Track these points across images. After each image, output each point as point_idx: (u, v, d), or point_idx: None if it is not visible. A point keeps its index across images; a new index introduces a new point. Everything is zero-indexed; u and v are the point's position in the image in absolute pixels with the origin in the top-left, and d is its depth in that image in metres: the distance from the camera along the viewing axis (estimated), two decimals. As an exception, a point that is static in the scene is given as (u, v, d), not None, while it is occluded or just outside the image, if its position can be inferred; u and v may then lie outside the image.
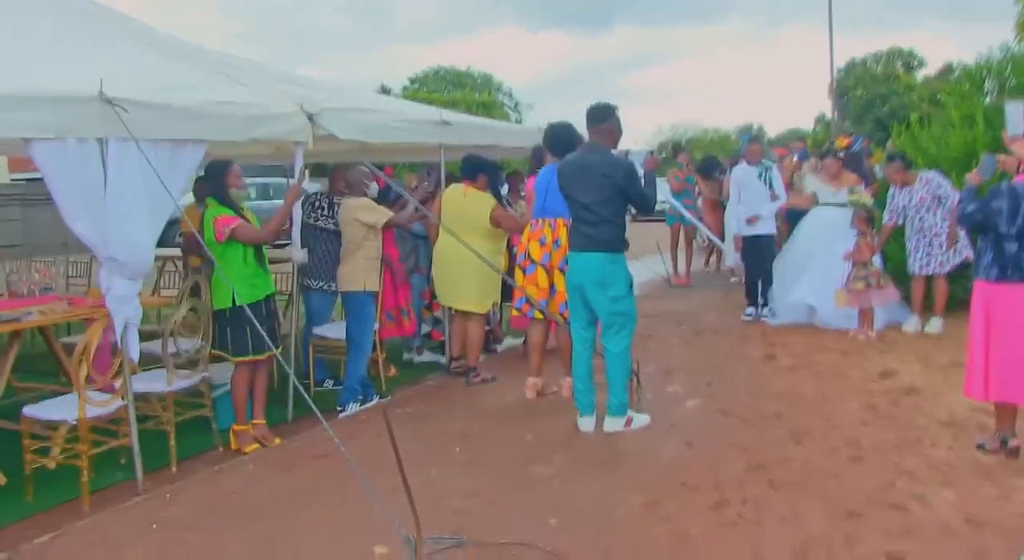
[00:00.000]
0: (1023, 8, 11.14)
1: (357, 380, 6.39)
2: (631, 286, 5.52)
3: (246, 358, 5.44)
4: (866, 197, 8.63)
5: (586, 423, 5.61)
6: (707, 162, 12.94)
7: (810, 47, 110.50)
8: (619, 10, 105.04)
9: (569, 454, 5.19)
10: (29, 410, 4.77)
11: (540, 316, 6.31)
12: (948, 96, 11.52)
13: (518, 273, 6.37)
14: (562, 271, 6.00)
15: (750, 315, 9.15)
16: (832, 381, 6.63)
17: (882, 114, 40.80)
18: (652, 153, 6.00)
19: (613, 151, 5.56)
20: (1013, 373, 4.53)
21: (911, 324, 8.21)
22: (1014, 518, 4.04)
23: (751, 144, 9.44)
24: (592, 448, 5.24)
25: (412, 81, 48.42)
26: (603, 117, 5.52)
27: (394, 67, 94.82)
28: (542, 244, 6.19)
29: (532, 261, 6.22)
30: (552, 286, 6.16)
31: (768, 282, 9.04)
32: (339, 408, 6.29)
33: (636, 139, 51.80)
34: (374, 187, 6.68)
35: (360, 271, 6.31)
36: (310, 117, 5.54)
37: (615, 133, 5.55)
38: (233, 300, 5.25)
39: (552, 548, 3.89)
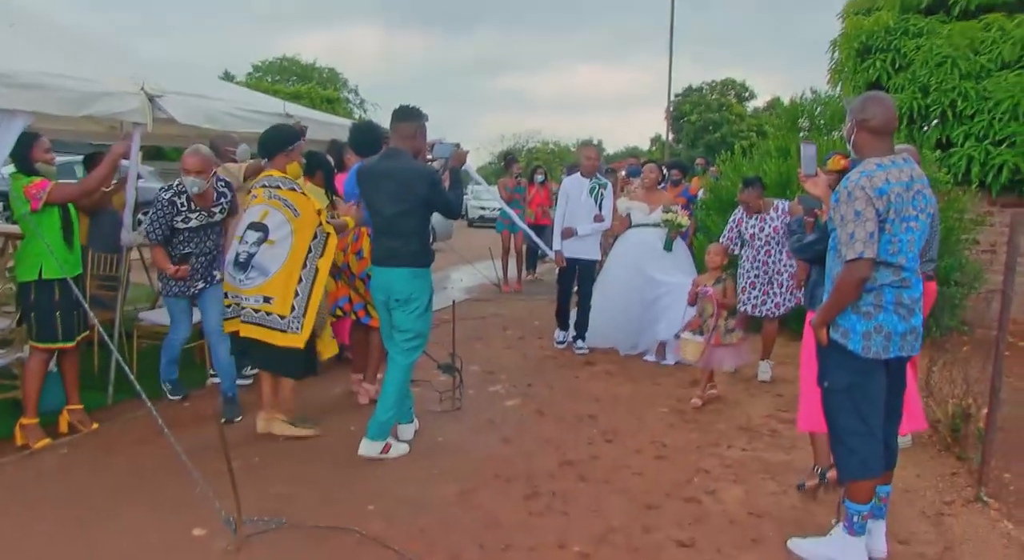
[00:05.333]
0: (835, 56, 12.02)
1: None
2: (430, 302, 5.24)
3: (51, 345, 5.13)
4: (682, 217, 8.03)
5: (404, 430, 5.47)
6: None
7: (653, 69, 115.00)
8: (481, 14, 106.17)
9: (391, 445, 5.34)
10: None
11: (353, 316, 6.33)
12: (771, 128, 12.43)
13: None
14: (363, 280, 6.04)
15: (562, 342, 8.50)
16: (646, 387, 7.04)
17: (713, 140, 42.86)
18: (458, 146, 5.49)
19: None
20: None
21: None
22: (788, 510, 4.50)
23: (586, 150, 8.63)
24: (412, 440, 5.38)
25: (256, 69, 47.31)
26: (407, 116, 5.14)
27: (242, 50, 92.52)
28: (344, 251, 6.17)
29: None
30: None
31: (585, 313, 8.30)
32: (212, 372, 6.48)
33: (480, 146, 52.63)
34: (243, 147, 6.67)
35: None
36: (151, 99, 5.48)
37: (418, 139, 5.17)
38: (40, 273, 5.01)
39: (369, 531, 4.04)
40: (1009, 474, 5.04)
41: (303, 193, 5.33)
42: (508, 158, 14.09)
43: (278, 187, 5.27)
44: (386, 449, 5.15)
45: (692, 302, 6.63)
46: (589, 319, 8.28)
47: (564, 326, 8.53)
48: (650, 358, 7.93)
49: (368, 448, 5.12)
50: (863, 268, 3.53)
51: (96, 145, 9.83)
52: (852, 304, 3.64)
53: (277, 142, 5.43)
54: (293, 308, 5.16)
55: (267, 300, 5.16)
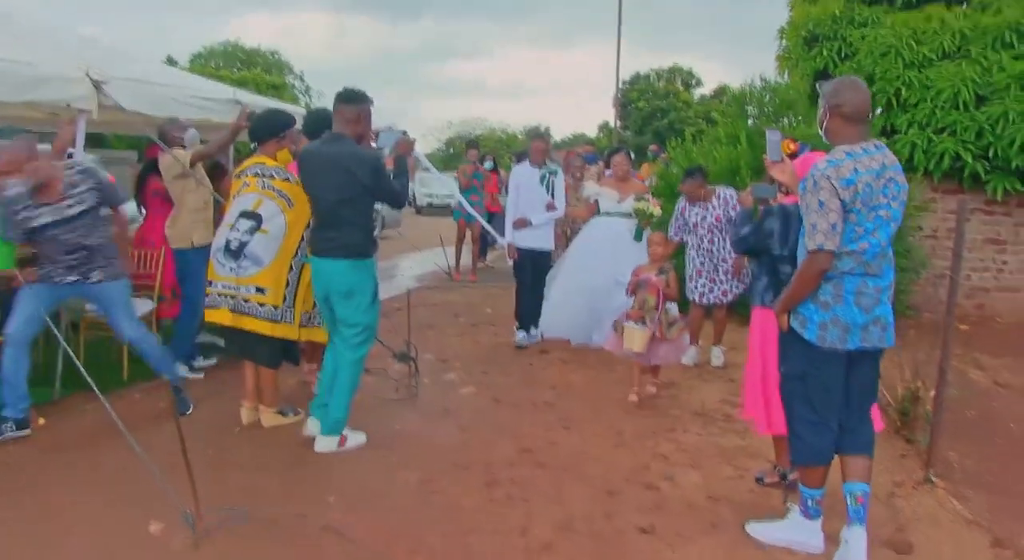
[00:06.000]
0: (783, 44, 12.16)
1: (188, 339, 6.41)
2: (376, 294, 5.09)
3: None
4: (654, 208, 7.64)
5: (313, 425, 5.17)
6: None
7: (600, 57, 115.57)
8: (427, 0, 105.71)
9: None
10: None
11: None
12: (719, 116, 12.55)
13: None
14: None
15: (522, 342, 8.08)
16: (600, 373, 7.07)
17: (661, 127, 43.14)
18: (405, 133, 5.30)
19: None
20: None
21: (690, 357, 7.26)
22: (745, 494, 4.58)
23: (536, 141, 8.34)
24: (370, 430, 5.32)
25: (198, 56, 46.49)
26: (351, 100, 4.91)
27: (184, 35, 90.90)
28: None
29: None
30: None
31: (539, 302, 8.08)
32: None
33: (427, 132, 52.50)
34: (192, 133, 6.46)
35: (186, 227, 6.27)
36: (96, 85, 5.35)
37: (361, 123, 4.92)
38: None
39: (330, 521, 4.01)
40: (955, 453, 5.18)
41: (297, 183, 5.19)
42: (469, 143, 14.00)
43: (272, 177, 5.22)
44: (342, 442, 5.05)
45: (632, 291, 6.21)
46: (543, 308, 8.06)
47: (525, 326, 8.17)
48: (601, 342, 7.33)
49: (325, 444, 5.01)
50: (823, 260, 3.52)
51: (34, 132, 9.58)
52: (813, 293, 3.62)
53: (269, 128, 5.37)
54: (285, 298, 5.20)
55: (260, 291, 5.13)
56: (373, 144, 5.29)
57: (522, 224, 7.93)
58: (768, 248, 4.35)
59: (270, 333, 5.18)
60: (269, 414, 5.42)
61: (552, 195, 7.98)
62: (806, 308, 3.66)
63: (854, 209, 3.49)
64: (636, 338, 6.07)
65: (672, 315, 6.16)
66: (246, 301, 5.15)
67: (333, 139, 4.88)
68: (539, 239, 8.04)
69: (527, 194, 7.98)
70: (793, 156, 6.56)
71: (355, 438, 5.15)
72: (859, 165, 3.48)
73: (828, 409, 3.74)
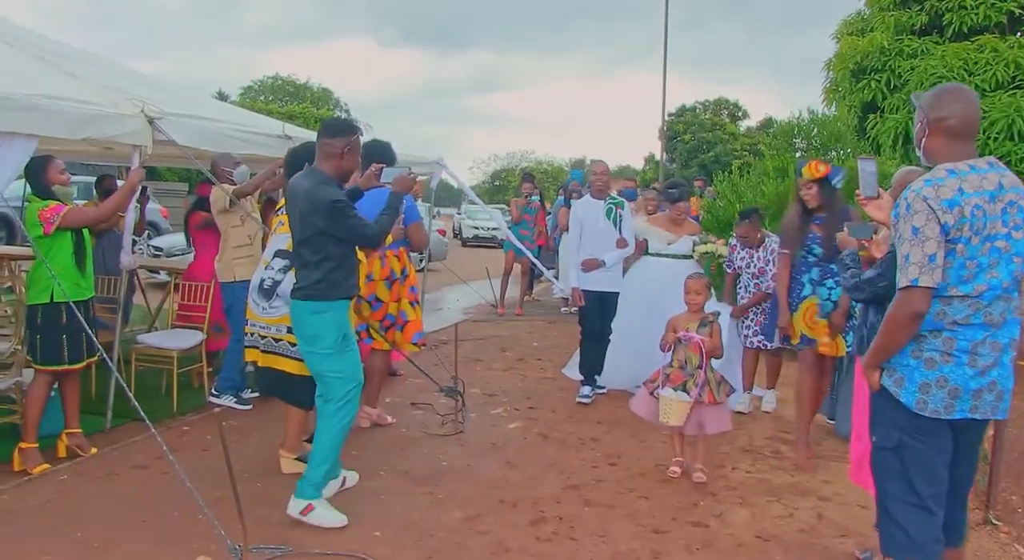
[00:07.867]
0: (830, 76, 12.10)
1: (236, 371, 6.45)
2: (342, 343, 4.42)
3: (57, 367, 5.07)
4: (720, 247, 7.15)
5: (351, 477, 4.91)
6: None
7: (645, 89, 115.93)
8: (474, 31, 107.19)
9: (394, 470, 5.29)
10: None
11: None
12: (766, 148, 12.52)
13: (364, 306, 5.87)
14: (369, 303, 5.82)
15: (587, 397, 7.20)
16: (646, 408, 6.97)
17: (707, 160, 43.05)
18: (410, 171, 4.86)
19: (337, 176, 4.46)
20: None
21: (743, 404, 6.92)
22: (794, 533, 4.48)
23: (594, 164, 7.39)
24: (416, 465, 5.34)
25: (248, 89, 47.55)
26: (333, 132, 4.45)
27: (233, 69, 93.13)
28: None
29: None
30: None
31: (603, 352, 7.25)
32: (214, 394, 6.48)
33: (473, 165, 53.12)
34: (243, 169, 6.61)
35: (230, 262, 6.41)
36: (151, 121, 5.46)
37: (343, 158, 4.41)
38: (52, 296, 4.96)
39: (376, 557, 3.99)
40: (1016, 497, 5.02)
41: None
42: (524, 176, 14.00)
43: None
44: (307, 510, 4.35)
45: (668, 349, 5.38)
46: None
47: (590, 380, 7.30)
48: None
49: (293, 506, 4.38)
50: (917, 299, 2.86)
51: (88, 165, 9.84)
52: (915, 346, 2.99)
53: (300, 164, 5.27)
54: None
55: (291, 330, 4.91)
56: (380, 180, 5.00)
57: (593, 265, 7.00)
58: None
59: (297, 371, 4.98)
60: (289, 460, 5.21)
61: (619, 230, 7.09)
62: (903, 364, 3.02)
63: (962, 239, 2.86)
64: (675, 410, 5.21)
65: (718, 373, 5.37)
66: (276, 341, 5.12)
67: (306, 174, 4.48)
68: (609, 280, 7.08)
69: (592, 230, 7.08)
70: (824, 180, 5.85)
71: (326, 515, 4.39)
72: (965, 184, 2.88)
73: (929, 488, 3.04)
